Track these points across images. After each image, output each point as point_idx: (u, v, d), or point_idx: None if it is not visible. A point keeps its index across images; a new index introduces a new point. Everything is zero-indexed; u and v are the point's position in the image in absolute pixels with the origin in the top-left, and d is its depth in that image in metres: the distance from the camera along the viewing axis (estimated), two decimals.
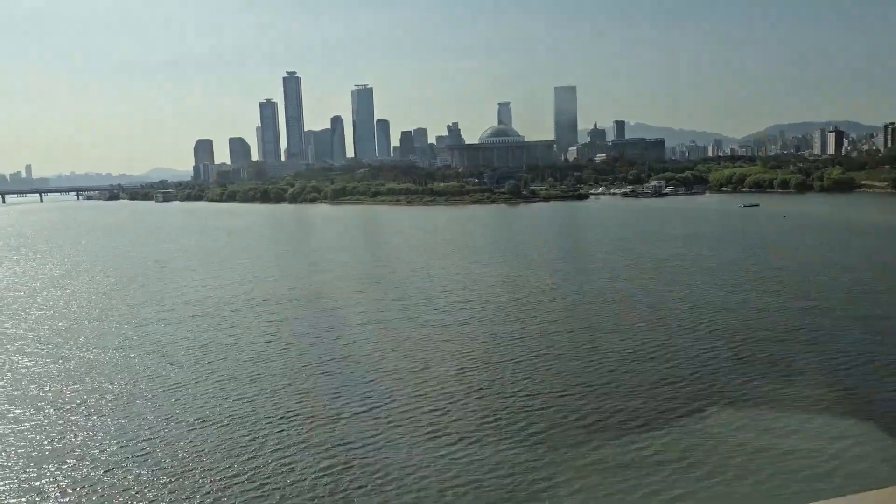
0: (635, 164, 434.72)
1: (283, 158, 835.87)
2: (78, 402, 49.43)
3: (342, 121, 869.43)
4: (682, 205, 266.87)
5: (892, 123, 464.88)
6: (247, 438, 40.79)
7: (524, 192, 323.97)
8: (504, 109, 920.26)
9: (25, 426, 44.92)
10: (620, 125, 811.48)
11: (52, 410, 47.98)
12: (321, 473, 35.84)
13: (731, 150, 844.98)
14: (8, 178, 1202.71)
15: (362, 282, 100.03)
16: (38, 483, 36.62)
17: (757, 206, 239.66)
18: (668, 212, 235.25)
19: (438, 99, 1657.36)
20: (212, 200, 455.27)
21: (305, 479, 35.33)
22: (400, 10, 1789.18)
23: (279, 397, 48.58)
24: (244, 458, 38.16)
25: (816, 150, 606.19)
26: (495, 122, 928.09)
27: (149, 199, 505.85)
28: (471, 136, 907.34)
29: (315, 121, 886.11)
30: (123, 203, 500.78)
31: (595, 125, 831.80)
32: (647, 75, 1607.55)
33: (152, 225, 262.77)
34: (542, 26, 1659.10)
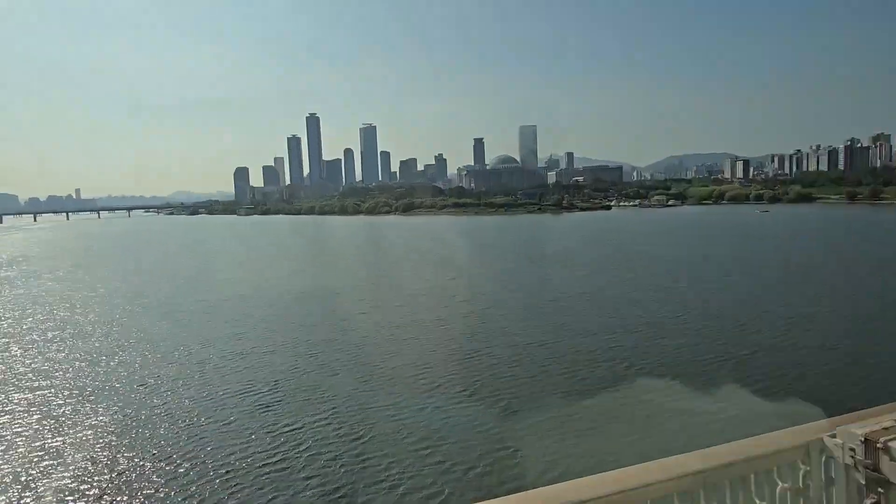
0: (610, 184, 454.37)
1: (306, 183, 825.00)
2: None
3: (353, 152, 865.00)
4: (701, 212, 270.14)
5: (798, 151, 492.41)
6: None
7: (565, 205, 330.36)
8: (478, 144, 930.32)
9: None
10: (570, 155, 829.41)
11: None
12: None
13: (648, 175, 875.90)
14: (64, 198, 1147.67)
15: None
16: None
17: (767, 211, 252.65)
18: (704, 216, 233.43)
19: (427, 134, 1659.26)
20: (288, 214, 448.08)
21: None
22: (398, 60, 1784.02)
23: None
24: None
25: (728, 174, 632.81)
26: (471, 154, 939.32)
27: (228, 214, 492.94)
28: (452, 165, 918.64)
29: (328, 152, 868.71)
30: (209, 217, 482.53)
31: (551, 156, 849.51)
32: (574, 113, 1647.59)
33: (327, 236, 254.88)
34: (511, 74, 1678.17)
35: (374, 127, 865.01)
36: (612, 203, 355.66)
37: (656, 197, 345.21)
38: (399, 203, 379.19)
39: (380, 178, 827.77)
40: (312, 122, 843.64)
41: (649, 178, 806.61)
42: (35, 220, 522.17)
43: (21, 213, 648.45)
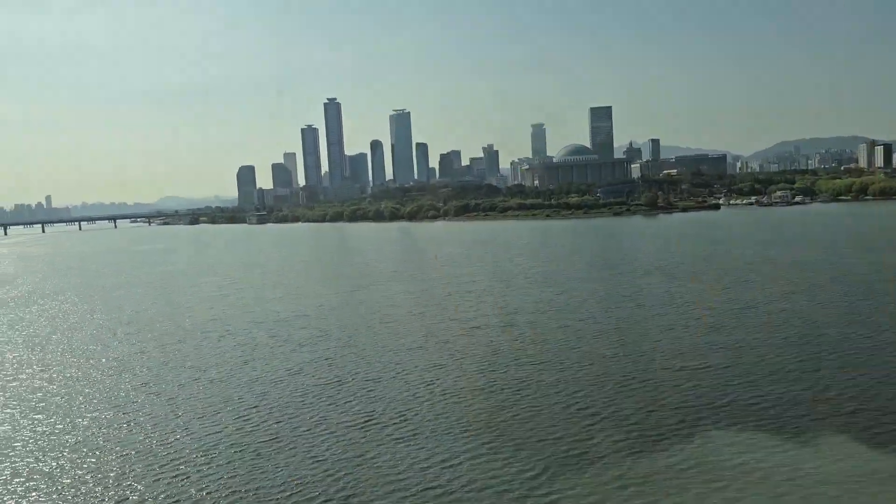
0: (714, 177, 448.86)
1: (325, 182, 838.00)
2: None
3: (381, 144, 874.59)
4: (842, 211, 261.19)
5: None
6: None
7: (661, 204, 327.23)
8: (538, 130, 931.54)
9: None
10: (656, 143, 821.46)
11: None
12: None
13: (756, 166, 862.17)
14: (33, 206, 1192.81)
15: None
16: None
17: None
18: (850, 217, 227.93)
19: (471, 121, 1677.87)
20: (310, 221, 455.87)
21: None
22: (432, 31, 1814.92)
23: None
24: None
25: (862, 163, 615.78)
26: (529, 143, 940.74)
27: (236, 223, 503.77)
28: (504, 157, 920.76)
29: (351, 145, 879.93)
30: (214, 227, 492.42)
31: (631, 144, 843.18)
32: (663, 95, 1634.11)
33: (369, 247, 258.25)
34: (570, 47, 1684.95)
35: (408, 113, 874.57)
36: (721, 201, 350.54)
37: (778, 193, 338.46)
38: (449, 206, 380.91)
39: (415, 177, 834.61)
40: (332, 109, 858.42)
41: (758, 168, 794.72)
42: (6, 233, 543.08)
43: None
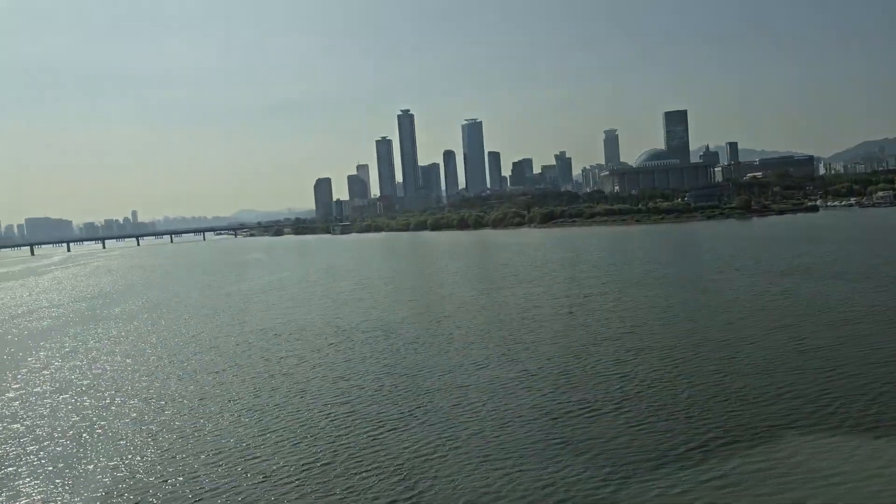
0: (805, 178, 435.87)
1: (399, 193, 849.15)
2: None
3: (454, 154, 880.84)
4: None
5: None
6: None
7: (755, 206, 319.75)
8: (610, 136, 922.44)
9: None
10: (734, 146, 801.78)
11: None
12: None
13: (841, 168, 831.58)
14: (121, 221, 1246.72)
15: None
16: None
17: None
18: None
19: (543, 129, 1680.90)
20: (393, 230, 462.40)
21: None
22: (501, 41, 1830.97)
23: None
24: None
25: None
26: (601, 150, 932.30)
27: (317, 233, 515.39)
28: (577, 164, 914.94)
29: (422, 156, 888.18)
30: (304, 238, 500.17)
31: (707, 147, 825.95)
32: (737, 98, 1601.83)
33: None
34: (639, 51, 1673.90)
35: (480, 123, 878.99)
36: (818, 203, 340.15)
37: (880, 193, 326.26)
38: (534, 213, 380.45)
39: (488, 185, 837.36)
40: (405, 122, 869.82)
41: (842, 170, 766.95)
42: (104, 246, 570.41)
43: (80, 241, 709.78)
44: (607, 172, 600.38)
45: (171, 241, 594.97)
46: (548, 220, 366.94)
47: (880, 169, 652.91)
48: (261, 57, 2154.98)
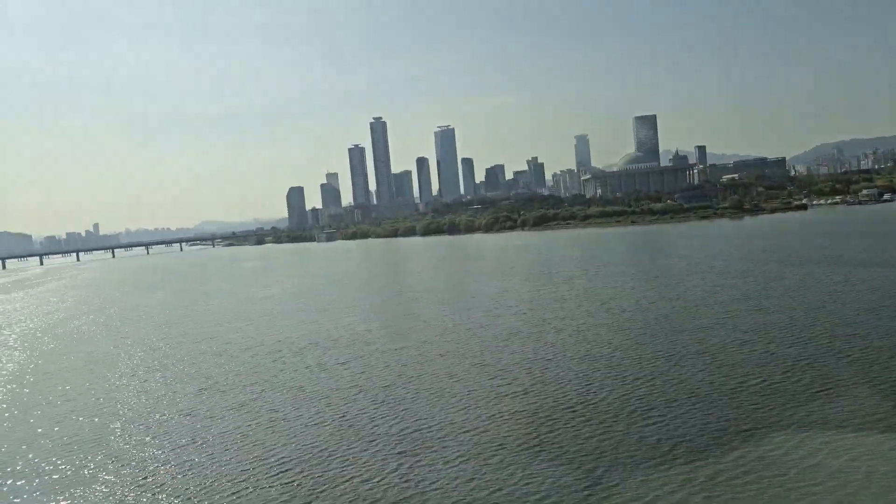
0: (786, 179, 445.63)
1: (373, 200, 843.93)
2: None
3: (427, 161, 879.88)
4: None
5: None
6: None
7: (746, 206, 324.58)
8: (581, 141, 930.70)
9: None
10: (702, 150, 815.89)
11: None
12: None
13: (803, 169, 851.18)
14: (83, 234, 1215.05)
15: None
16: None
17: None
18: None
19: (514, 135, 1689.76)
20: (380, 236, 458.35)
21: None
22: (473, 48, 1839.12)
23: None
24: None
25: None
26: (573, 155, 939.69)
27: (301, 241, 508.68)
28: (548, 170, 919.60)
29: (395, 163, 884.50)
30: (289, 246, 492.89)
31: (677, 152, 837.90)
32: (700, 103, 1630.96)
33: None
34: (615, 58, 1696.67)
35: (453, 129, 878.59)
36: (804, 202, 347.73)
37: (865, 191, 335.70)
38: (526, 216, 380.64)
39: (462, 191, 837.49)
40: (377, 129, 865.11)
41: (804, 171, 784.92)
42: (78, 259, 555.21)
43: (48, 255, 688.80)
44: (588, 176, 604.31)
45: (148, 253, 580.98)
46: (541, 223, 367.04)
47: (842, 171, 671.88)
48: (222, 65, 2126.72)
